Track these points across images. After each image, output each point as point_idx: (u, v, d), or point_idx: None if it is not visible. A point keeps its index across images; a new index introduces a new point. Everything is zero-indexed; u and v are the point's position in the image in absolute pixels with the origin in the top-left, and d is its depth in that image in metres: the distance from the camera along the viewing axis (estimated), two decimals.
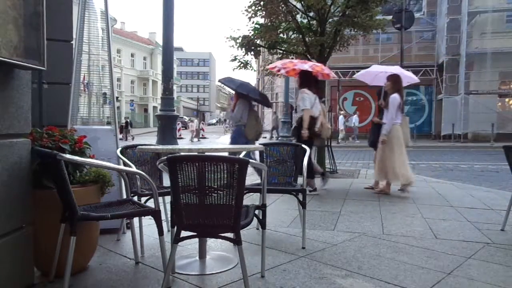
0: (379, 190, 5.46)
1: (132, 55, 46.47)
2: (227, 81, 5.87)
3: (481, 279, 2.40)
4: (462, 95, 20.35)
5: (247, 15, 7.20)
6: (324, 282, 2.35)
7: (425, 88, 24.06)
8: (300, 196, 3.04)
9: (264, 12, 7.09)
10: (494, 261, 2.73)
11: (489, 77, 20.41)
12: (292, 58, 8.28)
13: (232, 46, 7.83)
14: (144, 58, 49.08)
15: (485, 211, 4.34)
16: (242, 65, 7.95)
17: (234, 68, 7.97)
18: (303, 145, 3.42)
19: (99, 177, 2.58)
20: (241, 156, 2.90)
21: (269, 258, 2.70)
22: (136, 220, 2.82)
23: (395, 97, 5.23)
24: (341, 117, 20.63)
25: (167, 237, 2.77)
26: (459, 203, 4.76)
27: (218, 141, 22.25)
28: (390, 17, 7.71)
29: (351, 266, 2.61)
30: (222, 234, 2.15)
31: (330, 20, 7.35)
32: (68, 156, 2.18)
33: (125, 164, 2.91)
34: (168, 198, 2.78)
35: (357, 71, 7.14)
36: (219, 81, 6.11)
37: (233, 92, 5.94)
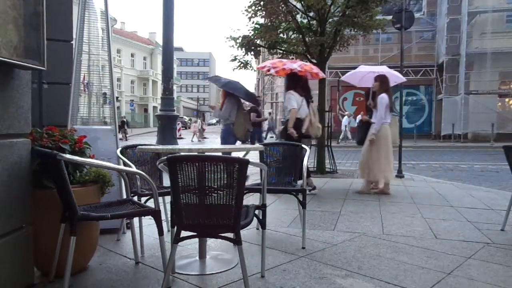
0: (379, 190, 5.47)
1: (132, 55, 46.47)
2: (214, 80, 5.89)
3: (481, 279, 2.40)
4: (462, 95, 20.35)
5: (247, 15, 7.20)
6: (324, 282, 2.35)
7: (425, 88, 24.07)
8: (300, 196, 3.04)
9: (264, 12, 7.08)
10: (494, 261, 2.73)
11: (489, 77, 20.42)
12: (292, 58, 8.29)
13: (232, 46, 7.83)
14: (144, 58, 49.08)
15: (485, 211, 4.34)
16: (242, 65, 7.95)
17: (234, 68, 7.97)
18: (303, 145, 3.42)
19: (99, 177, 2.58)
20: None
21: (269, 258, 2.70)
22: (136, 220, 2.82)
23: (383, 97, 5.29)
24: (345, 118, 20.55)
25: (167, 237, 2.77)
26: (459, 203, 4.76)
27: (218, 141, 22.21)
28: (390, 17, 7.69)
29: (351, 266, 2.61)
30: (222, 234, 2.15)
31: (330, 20, 7.35)
32: (68, 156, 2.18)
33: (125, 164, 2.91)
34: (168, 198, 2.78)
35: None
36: (207, 79, 6.15)
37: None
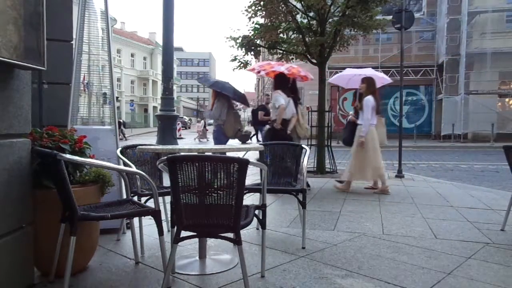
0: (380, 190, 5.48)
1: (132, 55, 46.47)
2: (203, 80, 5.94)
3: (481, 279, 2.40)
4: (462, 95, 20.34)
5: (247, 15, 7.19)
6: (324, 282, 2.35)
7: (425, 88, 24.06)
8: (300, 196, 3.04)
9: (264, 12, 7.08)
10: (494, 261, 2.73)
11: (489, 77, 20.41)
12: (292, 59, 8.30)
13: (232, 46, 7.82)
14: (144, 58, 49.08)
15: (485, 211, 4.34)
16: (242, 65, 7.94)
17: (234, 68, 7.96)
18: (303, 145, 3.43)
19: (99, 177, 2.58)
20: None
21: (269, 258, 2.70)
22: (136, 220, 2.82)
23: (368, 99, 5.37)
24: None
25: (167, 237, 2.77)
26: (459, 203, 4.76)
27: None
28: (390, 17, 7.69)
29: (351, 266, 2.61)
30: (222, 234, 2.15)
31: (330, 20, 7.35)
32: (68, 156, 2.18)
33: (125, 164, 2.91)
34: (168, 198, 2.78)
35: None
36: (197, 80, 6.18)
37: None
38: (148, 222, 2.90)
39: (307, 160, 3.24)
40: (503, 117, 20.30)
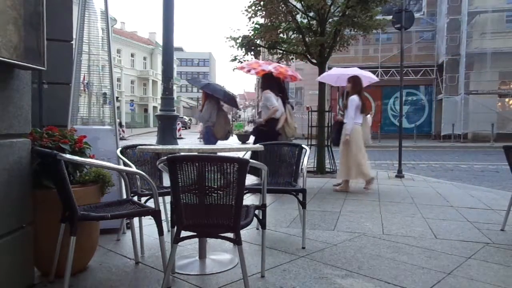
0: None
1: (132, 55, 46.46)
2: (193, 81, 5.95)
3: (481, 279, 2.40)
4: (462, 95, 20.34)
5: (247, 15, 7.20)
6: (324, 282, 2.35)
7: (425, 88, 24.07)
8: (300, 196, 3.04)
9: (264, 12, 7.08)
10: (494, 261, 2.73)
11: (489, 77, 20.41)
12: (292, 59, 8.30)
13: (232, 46, 7.83)
14: (144, 58, 49.07)
15: (485, 211, 4.34)
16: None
17: (234, 68, 7.97)
18: (303, 145, 3.43)
19: (99, 177, 2.58)
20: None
21: (269, 258, 2.70)
22: (136, 220, 2.82)
23: (353, 98, 5.45)
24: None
25: (167, 237, 2.77)
26: (459, 203, 4.76)
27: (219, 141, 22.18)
28: (390, 17, 7.70)
29: (351, 266, 2.61)
30: (222, 234, 2.15)
31: (330, 20, 7.35)
32: (68, 156, 2.18)
33: (125, 164, 2.91)
34: (168, 198, 2.78)
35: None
36: (187, 81, 6.21)
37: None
38: (148, 222, 2.90)
39: (307, 160, 3.24)
40: (503, 117, 20.29)
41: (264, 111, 5.27)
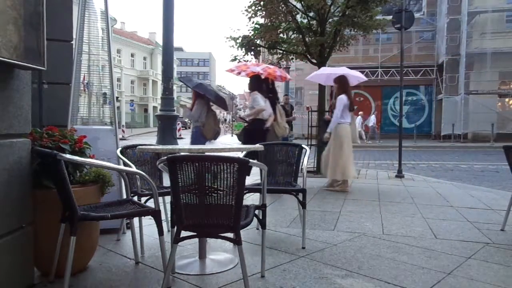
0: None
1: (132, 55, 46.45)
2: (186, 80, 5.96)
3: (481, 279, 2.40)
4: (462, 95, 20.35)
5: (247, 15, 7.20)
6: (324, 282, 2.35)
7: (425, 88, 24.09)
8: (300, 196, 3.04)
9: (264, 12, 7.09)
10: (494, 261, 2.73)
11: (489, 77, 20.42)
12: (292, 59, 8.30)
13: (232, 46, 7.83)
14: (144, 58, 49.06)
15: (485, 211, 4.34)
16: None
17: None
18: (303, 145, 3.43)
19: (99, 177, 2.58)
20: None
21: (269, 258, 2.70)
22: (136, 220, 2.82)
23: (341, 98, 5.49)
24: (359, 118, 20.47)
25: (167, 237, 2.77)
26: (459, 203, 4.76)
27: (218, 141, 22.21)
28: (390, 17, 7.70)
29: (351, 266, 2.61)
30: (222, 234, 2.14)
31: (330, 20, 7.35)
32: (68, 156, 2.18)
33: (125, 164, 2.90)
34: (168, 198, 2.78)
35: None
36: (179, 79, 6.21)
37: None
38: (148, 222, 2.90)
39: (307, 160, 3.24)
40: (503, 117, 20.30)
41: (251, 111, 5.33)
